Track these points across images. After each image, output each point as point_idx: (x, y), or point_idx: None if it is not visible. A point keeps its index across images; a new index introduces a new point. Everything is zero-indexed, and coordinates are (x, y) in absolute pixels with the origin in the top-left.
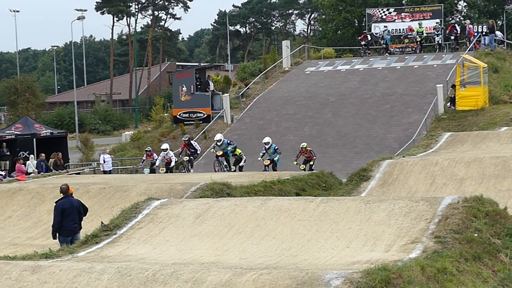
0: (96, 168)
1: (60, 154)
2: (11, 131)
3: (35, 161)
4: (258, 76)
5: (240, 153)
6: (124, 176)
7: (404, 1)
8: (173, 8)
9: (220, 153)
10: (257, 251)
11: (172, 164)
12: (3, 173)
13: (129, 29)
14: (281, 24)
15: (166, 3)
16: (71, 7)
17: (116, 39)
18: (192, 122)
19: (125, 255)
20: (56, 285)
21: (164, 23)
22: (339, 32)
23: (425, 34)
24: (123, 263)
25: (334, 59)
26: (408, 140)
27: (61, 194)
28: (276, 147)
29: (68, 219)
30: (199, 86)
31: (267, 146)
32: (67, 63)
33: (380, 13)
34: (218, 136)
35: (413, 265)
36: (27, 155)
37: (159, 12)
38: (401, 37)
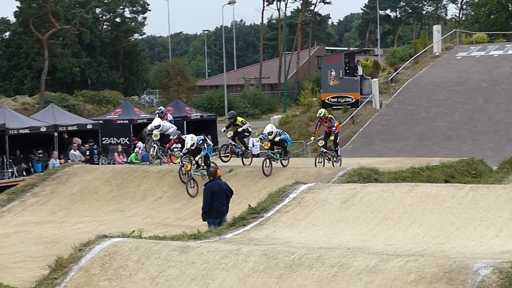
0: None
1: (210, 137)
2: None
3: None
4: (408, 61)
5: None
6: None
7: None
8: None
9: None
10: (404, 238)
11: (171, 130)
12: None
13: (279, 13)
14: (432, 9)
15: None
16: None
17: (266, 24)
18: (341, 106)
19: (271, 238)
20: (204, 266)
21: (314, 7)
22: (492, 16)
23: None
24: (270, 246)
25: (486, 44)
26: None
27: (210, 177)
28: (280, 132)
29: (217, 201)
30: (348, 71)
31: (270, 137)
32: (217, 47)
33: None
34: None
35: None
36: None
37: None
38: None
